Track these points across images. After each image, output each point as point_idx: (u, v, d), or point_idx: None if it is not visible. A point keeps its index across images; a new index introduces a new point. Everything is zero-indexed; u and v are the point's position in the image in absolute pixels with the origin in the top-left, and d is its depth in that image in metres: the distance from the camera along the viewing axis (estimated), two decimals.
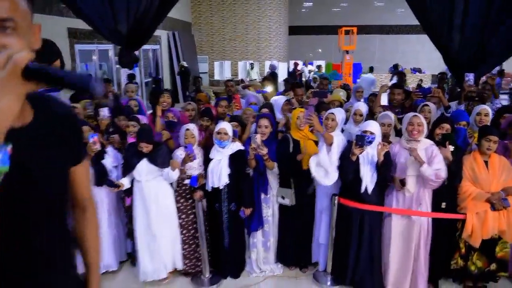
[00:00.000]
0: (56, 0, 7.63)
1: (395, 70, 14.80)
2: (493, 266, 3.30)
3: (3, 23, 0.82)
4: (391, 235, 3.30)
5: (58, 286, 1.08)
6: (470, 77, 4.11)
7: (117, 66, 10.25)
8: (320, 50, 20.58)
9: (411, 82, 15.54)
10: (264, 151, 3.24)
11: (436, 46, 4.42)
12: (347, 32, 15.91)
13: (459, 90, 4.33)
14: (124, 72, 10.10)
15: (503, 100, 8.36)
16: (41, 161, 0.94)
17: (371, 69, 15.35)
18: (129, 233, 3.82)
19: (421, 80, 13.78)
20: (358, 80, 13.89)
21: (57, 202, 1.04)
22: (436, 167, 3.07)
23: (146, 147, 3.28)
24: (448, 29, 4.16)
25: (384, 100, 4.48)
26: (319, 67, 15.55)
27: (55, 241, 1.05)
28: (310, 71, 15.77)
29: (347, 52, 15.81)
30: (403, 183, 3.15)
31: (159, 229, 3.44)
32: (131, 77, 8.08)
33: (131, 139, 3.70)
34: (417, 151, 3.06)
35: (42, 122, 0.95)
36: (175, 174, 3.34)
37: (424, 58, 18.97)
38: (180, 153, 3.49)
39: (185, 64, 13.17)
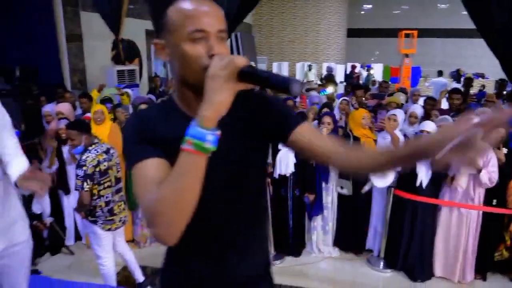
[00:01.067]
0: (135, 5, 8.49)
1: (457, 75, 14.51)
2: None
3: (221, 33, 0.98)
4: (443, 227, 3.61)
5: (260, 247, 1.25)
6: None
7: None
8: (377, 52, 20.43)
9: (474, 88, 15.11)
10: None
11: (494, 52, 4.58)
12: (407, 36, 15.78)
13: None
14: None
15: None
16: (235, 145, 1.08)
17: (440, 73, 15.15)
18: None
19: (483, 85, 13.42)
20: (426, 84, 13.77)
21: (255, 170, 1.16)
22: (491, 169, 3.33)
23: None
24: (507, 35, 4.30)
25: (444, 104, 4.73)
26: (368, 69, 15.55)
27: (260, 204, 1.21)
28: (368, 74, 15.82)
29: (406, 55, 15.69)
30: (453, 179, 3.45)
31: None
32: None
33: None
34: None
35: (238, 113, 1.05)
36: None
37: (487, 63, 18.21)
38: None
39: (253, 64, 13.82)
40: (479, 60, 19.11)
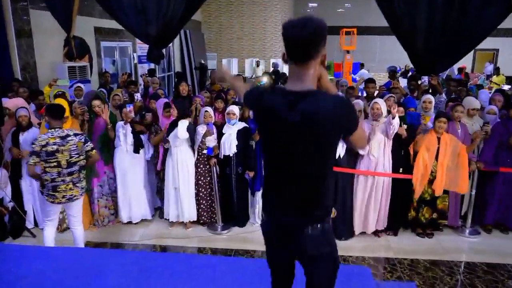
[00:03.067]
0: (85, 2, 8.67)
1: (406, 71, 15.90)
2: (435, 215, 4.37)
3: None
4: (360, 191, 4.35)
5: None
6: (425, 79, 5.16)
7: (135, 62, 11.40)
8: None
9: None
10: None
11: (404, 48, 5.36)
12: (348, 33, 16.87)
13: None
14: (141, 67, 11.22)
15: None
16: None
17: (362, 65, 16.47)
18: (158, 191, 4.95)
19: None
20: (355, 76, 15.00)
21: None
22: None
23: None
24: (413, 31, 5.06)
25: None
26: None
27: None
28: None
29: (348, 52, 16.79)
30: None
31: (182, 185, 4.54)
32: (151, 72, 9.19)
33: (164, 119, 4.73)
34: (378, 126, 4.12)
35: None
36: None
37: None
38: (201, 129, 4.55)
39: (202, 61, 14.30)
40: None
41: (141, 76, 9.49)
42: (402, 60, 19.54)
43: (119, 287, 2.80)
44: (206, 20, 17.86)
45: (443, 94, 5.55)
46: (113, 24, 7.70)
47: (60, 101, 4.43)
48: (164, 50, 6.91)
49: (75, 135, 3.53)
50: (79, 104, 4.52)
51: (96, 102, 4.53)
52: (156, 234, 4.64)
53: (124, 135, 4.46)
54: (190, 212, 4.65)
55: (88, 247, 4.05)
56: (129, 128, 4.45)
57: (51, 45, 7.37)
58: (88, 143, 3.61)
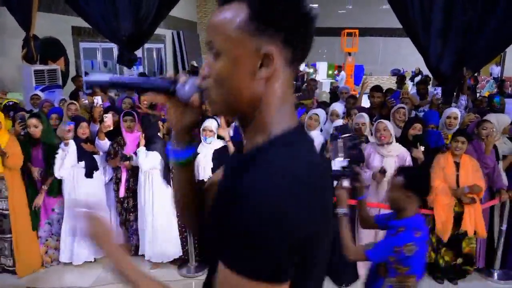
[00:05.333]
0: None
1: (415, 74, 15.09)
2: (459, 260, 3.51)
3: (208, 45, 0.87)
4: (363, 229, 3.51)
5: None
6: (438, 90, 4.34)
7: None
8: (320, 51, 20.71)
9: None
10: None
11: (418, 49, 4.60)
12: (349, 34, 16.09)
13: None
14: (128, 71, 10.40)
15: None
16: None
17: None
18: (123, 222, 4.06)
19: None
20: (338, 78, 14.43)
21: None
22: None
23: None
24: (429, 33, 4.33)
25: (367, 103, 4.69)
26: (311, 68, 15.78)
27: None
28: (308, 73, 15.99)
29: (349, 54, 16.01)
30: (383, 170, 3.29)
31: (159, 217, 3.74)
32: (142, 75, 8.35)
33: (127, 134, 3.89)
34: (390, 157, 3.28)
35: None
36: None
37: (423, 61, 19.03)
38: None
39: (195, 63, 13.43)
40: (419, 57, 19.86)
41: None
42: (406, 62, 18.83)
43: None
44: (202, 20, 17.04)
45: (464, 99, 4.65)
46: None
47: None
48: (142, 53, 6.11)
49: None
50: (19, 120, 3.69)
51: (33, 121, 3.59)
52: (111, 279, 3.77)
53: (62, 159, 3.57)
54: (173, 249, 3.87)
55: None
56: (71, 148, 3.59)
57: (16, 46, 6.57)
58: None
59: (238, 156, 0.93)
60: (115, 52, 10.70)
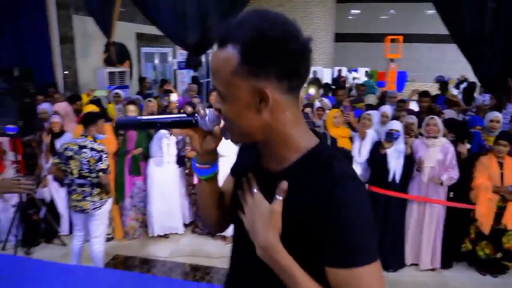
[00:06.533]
0: (126, 8, 8.71)
1: (460, 82, 15.03)
2: (499, 255, 3.82)
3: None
4: (412, 219, 3.90)
5: None
6: (486, 97, 4.56)
7: (174, 68, 11.37)
8: (363, 57, 20.82)
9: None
10: None
11: (466, 57, 4.83)
12: (393, 41, 16.22)
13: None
14: (181, 74, 11.16)
15: None
16: None
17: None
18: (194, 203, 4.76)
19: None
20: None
21: None
22: (450, 170, 3.67)
23: None
24: (477, 40, 4.54)
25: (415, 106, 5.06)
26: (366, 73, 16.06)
27: None
28: (354, 78, 16.26)
29: (392, 60, 16.13)
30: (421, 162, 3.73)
31: None
32: (194, 79, 9.06)
33: None
34: (434, 147, 3.67)
35: None
36: None
37: (469, 68, 18.73)
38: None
39: None
40: (464, 64, 19.54)
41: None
42: (451, 69, 18.63)
43: None
44: None
45: (511, 107, 4.86)
46: (154, 30, 7.67)
47: (90, 107, 4.36)
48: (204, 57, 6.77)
49: (92, 149, 3.38)
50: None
51: (131, 108, 4.43)
52: (188, 251, 4.40)
53: (168, 146, 4.35)
54: None
55: (104, 268, 3.79)
56: (174, 139, 4.35)
57: (93, 50, 7.41)
58: (102, 162, 3.38)
59: (282, 172, 0.94)
60: (170, 56, 11.54)
